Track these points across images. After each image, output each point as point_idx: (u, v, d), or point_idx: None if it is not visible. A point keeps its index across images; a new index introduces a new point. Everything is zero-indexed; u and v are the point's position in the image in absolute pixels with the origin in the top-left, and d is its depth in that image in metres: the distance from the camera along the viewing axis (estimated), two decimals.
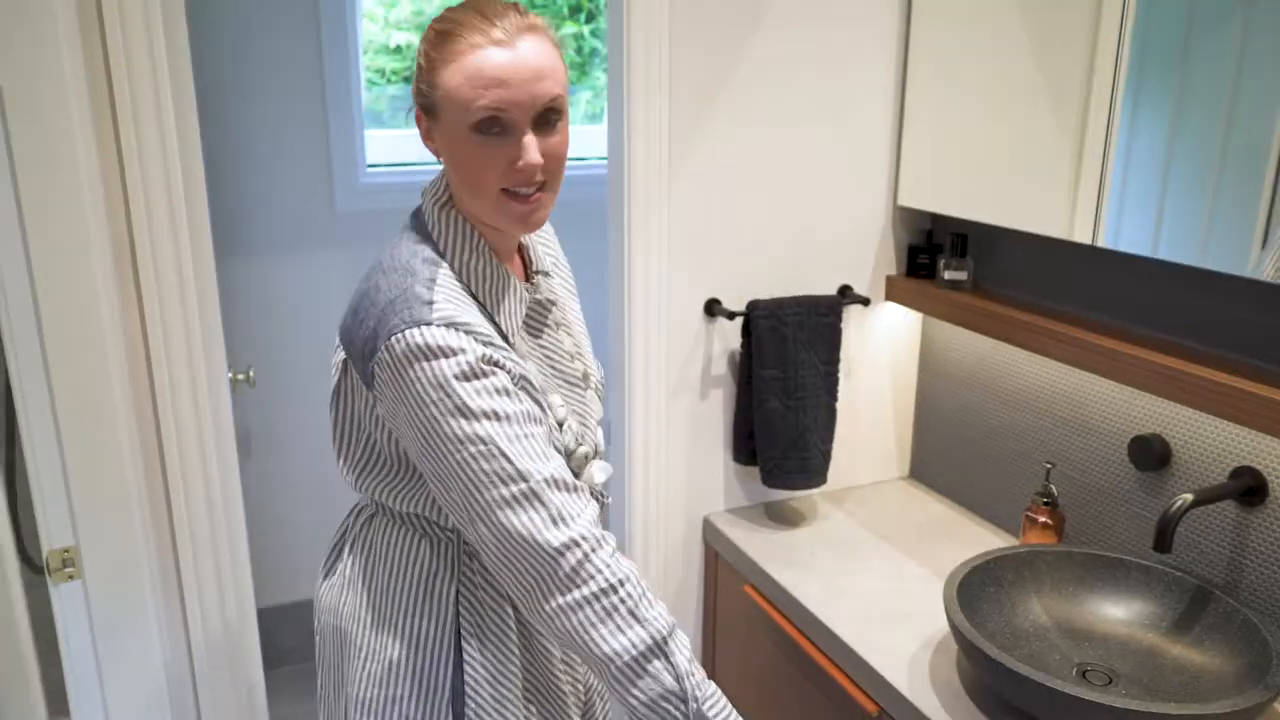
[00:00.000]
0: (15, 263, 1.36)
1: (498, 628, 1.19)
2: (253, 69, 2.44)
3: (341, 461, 1.20)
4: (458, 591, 1.18)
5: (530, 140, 1.05)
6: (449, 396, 1.01)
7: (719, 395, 1.91)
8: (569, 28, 3.09)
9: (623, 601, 1.02)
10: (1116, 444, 1.64)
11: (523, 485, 1.01)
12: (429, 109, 1.09)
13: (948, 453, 2.03)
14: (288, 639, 2.82)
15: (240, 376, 2.31)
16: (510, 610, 1.21)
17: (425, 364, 1.01)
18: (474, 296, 1.12)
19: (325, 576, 1.31)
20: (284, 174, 2.53)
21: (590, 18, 3.09)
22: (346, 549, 1.27)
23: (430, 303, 1.04)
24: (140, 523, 1.53)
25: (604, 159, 3.08)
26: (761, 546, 1.83)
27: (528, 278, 1.24)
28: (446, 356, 1.01)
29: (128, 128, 1.42)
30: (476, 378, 1.02)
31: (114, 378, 1.46)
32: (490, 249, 1.14)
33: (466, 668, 1.17)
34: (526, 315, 1.19)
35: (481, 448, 1.01)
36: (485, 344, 1.04)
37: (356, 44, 2.55)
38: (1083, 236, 1.56)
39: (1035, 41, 1.60)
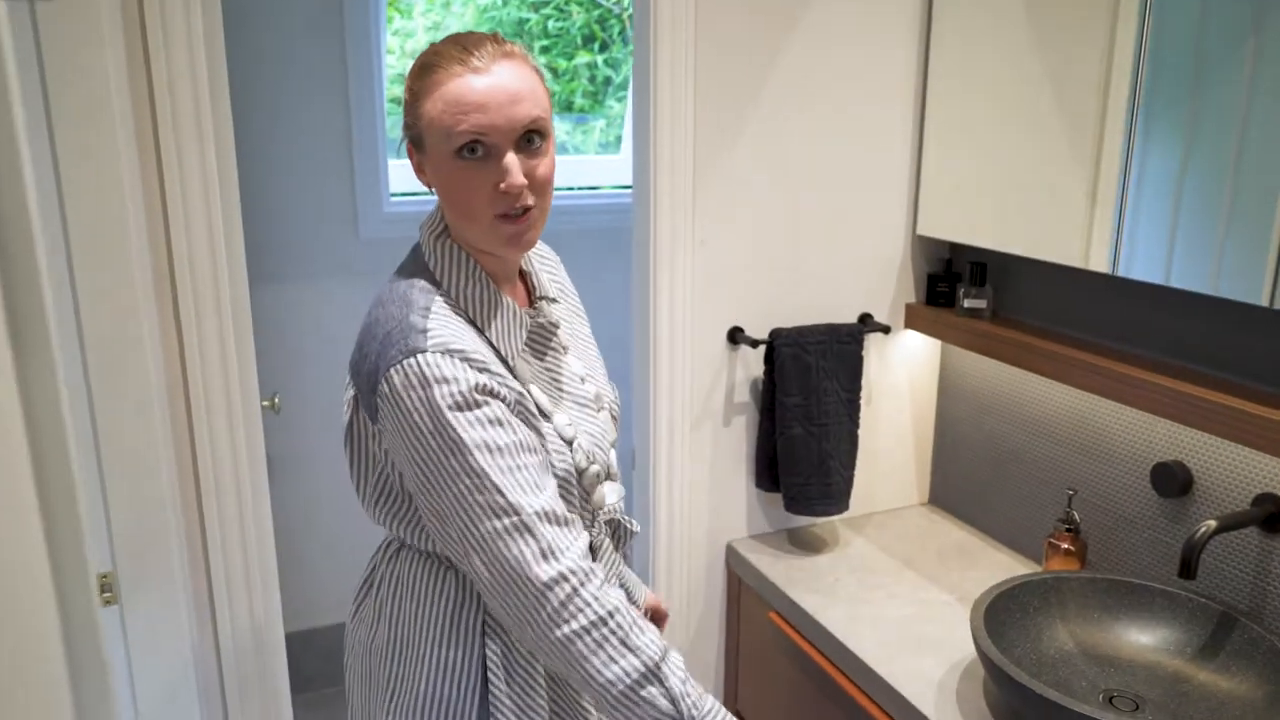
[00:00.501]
0: (61, 290, 1.39)
1: (524, 661, 1.20)
2: (278, 98, 2.48)
3: (361, 497, 1.22)
4: (484, 624, 1.19)
5: (512, 161, 1.07)
6: (443, 428, 1.03)
7: (741, 422, 1.94)
8: (582, 57, 3.14)
9: (613, 632, 1.04)
10: (1138, 470, 1.66)
11: (514, 518, 1.03)
12: (417, 141, 1.11)
13: (967, 479, 2.05)
14: (312, 664, 2.83)
15: (266, 403, 2.34)
16: None
17: (419, 393, 1.03)
18: (472, 322, 1.13)
19: (355, 611, 1.32)
20: (309, 202, 2.57)
21: (604, 47, 3.13)
22: (375, 583, 1.28)
23: (425, 331, 1.06)
24: (176, 547, 1.55)
25: (619, 188, 3.12)
26: (785, 572, 1.84)
27: (531, 303, 1.25)
28: (439, 385, 1.03)
29: (170, 157, 1.46)
30: (469, 408, 1.04)
31: (154, 404, 1.49)
32: (487, 275, 1.16)
33: (493, 701, 1.18)
34: (530, 339, 1.20)
35: (475, 480, 1.03)
36: (480, 370, 1.06)
37: (381, 76, 2.60)
38: (1098, 265, 1.59)
39: (1050, 73, 1.63)
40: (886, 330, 1.97)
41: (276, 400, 2.33)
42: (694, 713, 1.06)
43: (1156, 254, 1.50)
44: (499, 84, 1.05)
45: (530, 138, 1.08)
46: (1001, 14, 1.72)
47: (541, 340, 1.22)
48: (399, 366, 1.04)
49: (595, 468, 1.20)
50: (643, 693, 1.04)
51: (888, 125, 1.93)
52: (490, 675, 1.18)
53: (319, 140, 2.54)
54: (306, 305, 2.63)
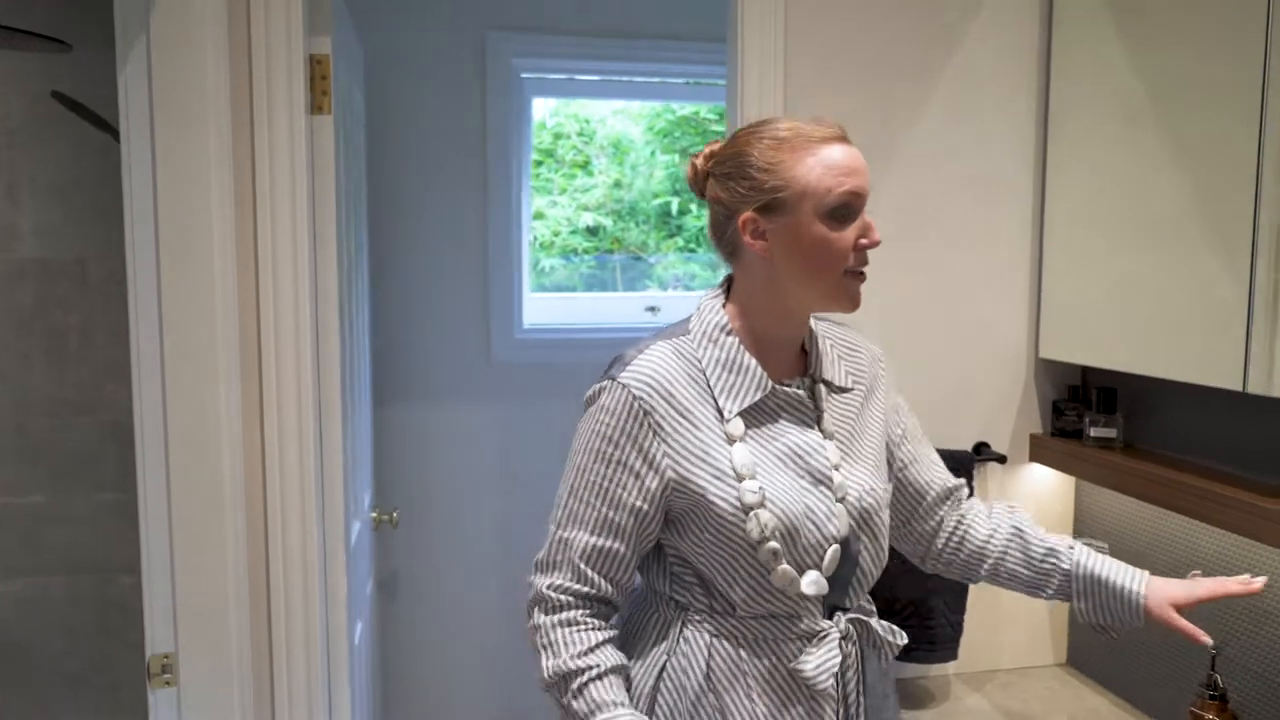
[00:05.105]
0: (152, 385, 1.51)
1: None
2: (423, 232, 2.66)
3: None
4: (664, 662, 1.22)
5: (872, 220, 1.18)
6: (582, 439, 1.20)
7: None
8: None
9: (544, 639, 1.19)
10: None
11: (551, 528, 1.21)
12: (772, 206, 1.17)
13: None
14: None
15: (384, 517, 2.41)
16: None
17: (593, 408, 1.20)
18: (702, 372, 1.20)
19: None
20: (445, 328, 2.70)
21: None
22: None
23: (630, 363, 1.19)
24: (237, 648, 1.58)
25: None
26: None
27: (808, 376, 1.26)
28: (601, 412, 1.18)
29: (266, 284, 1.58)
30: (604, 439, 1.17)
31: (227, 508, 1.56)
32: (739, 336, 1.21)
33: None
34: (776, 404, 1.21)
35: (565, 486, 1.22)
36: (647, 412, 1.16)
37: (521, 214, 2.74)
38: (1259, 386, 1.36)
39: (1190, 176, 1.46)
40: (1002, 460, 1.79)
41: (395, 515, 2.40)
42: None
43: None
44: (859, 155, 1.18)
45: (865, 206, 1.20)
46: (1128, 118, 1.59)
47: (790, 409, 1.22)
48: (596, 385, 1.22)
49: (773, 544, 1.15)
50: (553, 692, 1.19)
51: (1001, 236, 1.81)
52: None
53: (458, 270, 2.69)
54: (435, 425, 2.71)
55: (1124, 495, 1.70)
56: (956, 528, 1.36)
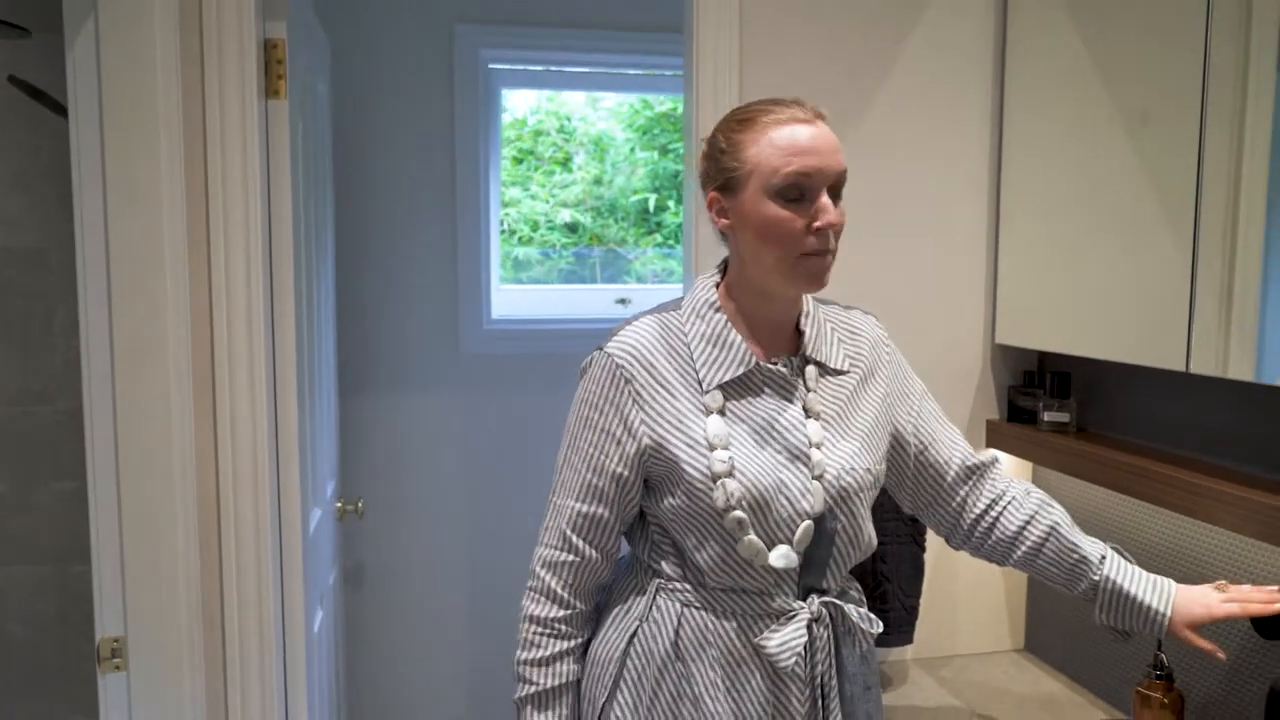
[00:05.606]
0: (102, 369, 1.51)
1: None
2: (392, 223, 2.66)
3: None
4: (635, 628, 1.25)
5: (828, 201, 1.16)
6: (574, 407, 1.27)
7: None
8: None
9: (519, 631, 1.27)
10: None
11: (552, 497, 1.27)
12: (730, 185, 1.19)
13: (1063, 621, 1.79)
14: None
15: (350, 507, 2.40)
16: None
17: (583, 377, 1.25)
18: (686, 345, 1.23)
19: None
20: (413, 320, 2.69)
21: None
22: None
23: (616, 335, 1.24)
24: (188, 632, 1.57)
25: None
26: None
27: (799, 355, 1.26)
28: (588, 381, 1.24)
29: (220, 279, 1.58)
30: (590, 405, 1.23)
31: (177, 492, 1.55)
32: (726, 313, 1.24)
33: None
34: (760, 380, 1.22)
35: (562, 453, 1.27)
36: (633, 368, 1.21)
37: (490, 206, 2.74)
38: (1201, 367, 1.36)
39: (1138, 166, 1.47)
40: None
41: (360, 505, 2.40)
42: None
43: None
44: (824, 133, 1.17)
45: (837, 187, 1.18)
46: (1080, 110, 1.59)
47: (773, 386, 1.23)
48: (587, 357, 1.27)
49: (738, 514, 1.16)
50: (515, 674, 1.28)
51: (956, 224, 1.82)
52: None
53: (426, 261, 2.68)
54: (402, 415, 2.71)
55: (1079, 480, 1.71)
56: (986, 512, 1.35)
